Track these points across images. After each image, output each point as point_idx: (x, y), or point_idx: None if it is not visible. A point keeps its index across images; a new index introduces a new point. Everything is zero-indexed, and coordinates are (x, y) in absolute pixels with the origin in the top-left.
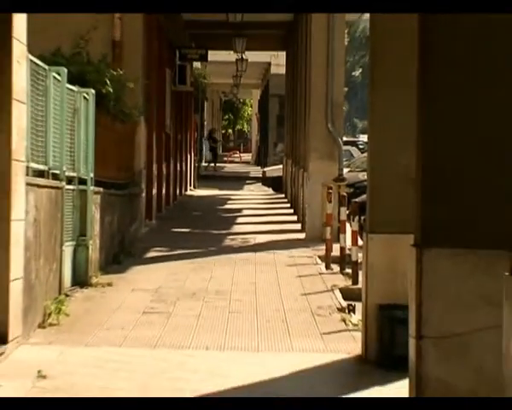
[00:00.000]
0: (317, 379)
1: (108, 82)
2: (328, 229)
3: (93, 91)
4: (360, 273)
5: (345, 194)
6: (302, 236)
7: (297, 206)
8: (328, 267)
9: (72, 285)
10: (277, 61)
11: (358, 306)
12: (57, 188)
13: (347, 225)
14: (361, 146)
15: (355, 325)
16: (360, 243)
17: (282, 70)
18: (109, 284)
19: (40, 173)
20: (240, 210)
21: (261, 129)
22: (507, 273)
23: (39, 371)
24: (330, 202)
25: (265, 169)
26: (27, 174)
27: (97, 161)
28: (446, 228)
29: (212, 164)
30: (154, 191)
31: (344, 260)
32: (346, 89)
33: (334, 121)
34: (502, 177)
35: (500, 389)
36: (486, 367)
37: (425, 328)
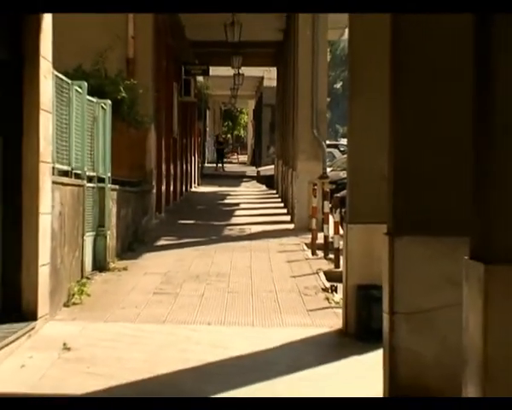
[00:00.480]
0: (304, 350)
1: (123, 89)
2: (314, 220)
3: (110, 102)
4: (341, 258)
5: (328, 190)
6: (291, 226)
7: (287, 200)
8: (313, 253)
9: (93, 270)
10: (269, 75)
11: (340, 286)
12: (79, 186)
13: (330, 216)
14: (342, 149)
15: (337, 303)
16: (341, 232)
17: (274, 83)
18: (124, 269)
19: (64, 173)
20: (237, 204)
21: (256, 134)
22: (466, 257)
23: (64, 344)
24: (315, 196)
25: (259, 169)
26: (53, 174)
27: (113, 162)
28: (415, 219)
29: (220, 164)
30: (163, 188)
31: (327, 247)
32: (328, 99)
33: (319, 127)
34: (462, 174)
35: (460, 356)
36: (449, 338)
37: (397, 305)
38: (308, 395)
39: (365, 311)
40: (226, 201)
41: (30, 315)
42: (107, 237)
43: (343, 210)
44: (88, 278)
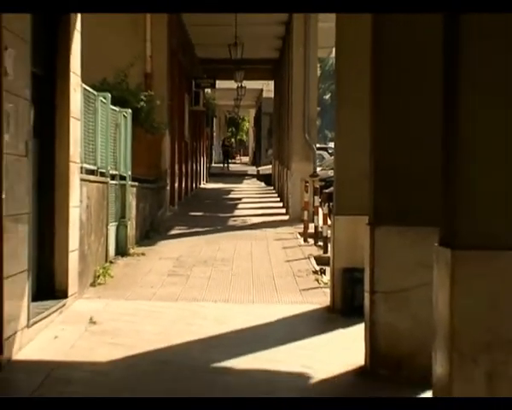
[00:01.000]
0: (297, 323)
1: (142, 97)
2: (306, 212)
3: (130, 111)
4: (329, 245)
5: (318, 186)
6: (286, 217)
7: (282, 195)
8: (305, 241)
9: (115, 255)
10: (268, 87)
11: (328, 269)
12: (104, 183)
13: (320, 209)
14: (330, 151)
15: (325, 283)
16: (329, 222)
17: (271, 94)
18: (142, 254)
19: (91, 172)
20: (240, 199)
21: (256, 138)
22: (436, 244)
23: (91, 318)
24: (307, 192)
25: (259, 168)
26: (81, 172)
27: (133, 162)
28: (392, 211)
29: (226, 164)
30: (176, 185)
31: (317, 236)
32: (318, 108)
33: (310, 132)
34: (435, 171)
35: (430, 329)
36: (421, 314)
37: (377, 285)
38: (305, 362)
39: (349, 290)
40: (230, 196)
41: (61, 294)
42: (128, 227)
43: (331, 204)
44: (111, 262)
